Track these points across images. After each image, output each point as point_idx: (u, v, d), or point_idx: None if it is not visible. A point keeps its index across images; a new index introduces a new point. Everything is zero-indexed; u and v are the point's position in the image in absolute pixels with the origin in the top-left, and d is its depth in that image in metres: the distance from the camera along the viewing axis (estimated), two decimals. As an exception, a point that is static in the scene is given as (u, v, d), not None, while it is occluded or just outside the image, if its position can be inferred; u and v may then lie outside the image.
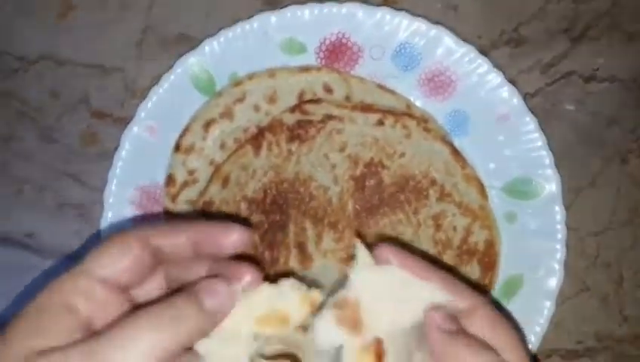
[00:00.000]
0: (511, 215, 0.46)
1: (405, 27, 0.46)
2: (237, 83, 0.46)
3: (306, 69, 0.46)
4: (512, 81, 0.46)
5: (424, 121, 0.46)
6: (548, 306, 0.46)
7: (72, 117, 0.50)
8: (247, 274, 0.30)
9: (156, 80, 0.46)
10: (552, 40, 0.49)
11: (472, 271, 0.46)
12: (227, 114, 0.46)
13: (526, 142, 0.46)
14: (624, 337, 0.50)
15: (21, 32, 0.50)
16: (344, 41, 0.46)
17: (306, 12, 0.45)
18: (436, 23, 0.46)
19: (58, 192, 0.50)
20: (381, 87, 0.46)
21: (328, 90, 0.46)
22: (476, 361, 0.29)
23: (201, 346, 0.29)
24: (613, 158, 0.49)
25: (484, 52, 0.46)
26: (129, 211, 0.46)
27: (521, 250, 0.46)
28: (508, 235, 0.46)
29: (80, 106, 0.50)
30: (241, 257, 0.32)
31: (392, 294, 0.31)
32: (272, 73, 0.46)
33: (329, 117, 0.45)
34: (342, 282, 0.32)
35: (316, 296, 0.31)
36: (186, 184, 0.47)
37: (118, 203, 0.46)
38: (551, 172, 0.46)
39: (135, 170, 0.46)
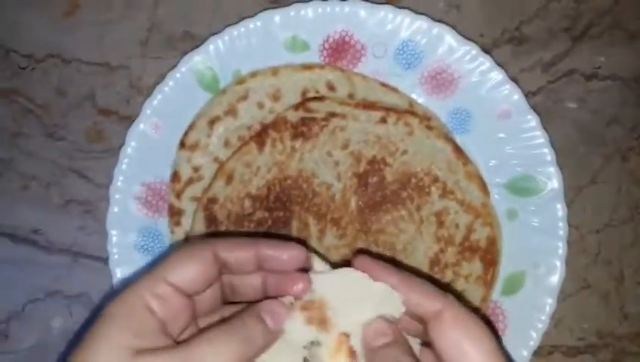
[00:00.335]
0: (513, 212, 0.47)
1: (408, 25, 0.46)
2: (241, 81, 0.47)
3: (309, 67, 0.47)
4: (513, 80, 0.46)
5: (426, 119, 0.46)
6: (549, 303, 0.46)
7: (78, 114, 0.50)
8: (300, 282, 0.33)
9: (161, 78, 0.47)
10: (554, 38, 0.50)
11: (474, 267, 0.46)
12: (231, 111, 0.47)
13: (528, 139, 0.46)
14: (625, 334, 0.50)
15: (27, 31, 0.50)
16: (347, 39, 0.47)
17: (309, 10, 0.46)
18: (438, 21, 0.46)
19: (64, 189, 0.50)
20: (384, 84, 0.47)
21: (331, 87, 0.47)
22: None
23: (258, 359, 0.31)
24: (614, 156, 0.50)
25: (486, 50, 0.47)
26: (134, 207, 0.47)
27: (523, 247, 0.46)
28: (509, 232, 0.47)
29: (86, 104, 0.50)
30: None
31: (352, 294, 0.33)
32: (275, 71, 0.47)
33: (332, 114, 0.46)
34: None
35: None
36: (190, 180, 0.47)
37: (123, 199, 0.47)
38: (552, 169, 0.46)
39: (140, 166, 0.47)
